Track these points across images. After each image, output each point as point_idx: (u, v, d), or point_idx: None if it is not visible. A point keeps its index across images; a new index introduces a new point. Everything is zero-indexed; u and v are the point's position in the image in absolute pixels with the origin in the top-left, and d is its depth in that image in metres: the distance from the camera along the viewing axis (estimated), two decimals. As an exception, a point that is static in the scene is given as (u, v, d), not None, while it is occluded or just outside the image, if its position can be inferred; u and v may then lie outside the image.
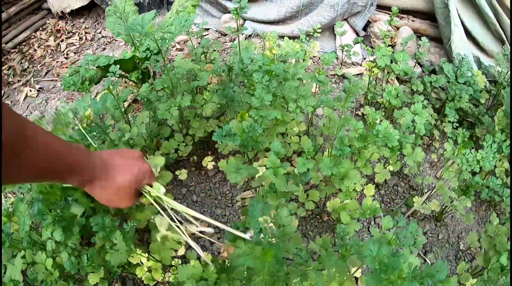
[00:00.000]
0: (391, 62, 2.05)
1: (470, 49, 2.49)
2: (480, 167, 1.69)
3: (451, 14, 2.42)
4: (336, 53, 2.79)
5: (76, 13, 4.02)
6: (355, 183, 1.61)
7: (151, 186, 1.09)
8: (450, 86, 2.12)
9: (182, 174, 1.94)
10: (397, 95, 2.01)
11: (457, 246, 1.98)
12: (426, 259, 1.91)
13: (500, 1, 2.42)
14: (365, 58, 2.79)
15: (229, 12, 3.09)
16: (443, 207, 1.94)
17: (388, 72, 2.21)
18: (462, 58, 2.24)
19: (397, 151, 1.75)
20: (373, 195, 2.05)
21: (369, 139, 1.60)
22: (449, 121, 2.05)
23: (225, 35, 3.12)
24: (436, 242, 1.98)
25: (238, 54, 2.06)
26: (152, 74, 2.56)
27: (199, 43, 3.17)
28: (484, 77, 2.25)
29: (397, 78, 2.60)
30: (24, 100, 3.19)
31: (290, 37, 2.94)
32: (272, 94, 1.54)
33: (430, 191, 2.05)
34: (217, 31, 3.16)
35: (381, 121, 1.86)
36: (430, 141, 2.30)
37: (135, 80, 2.40)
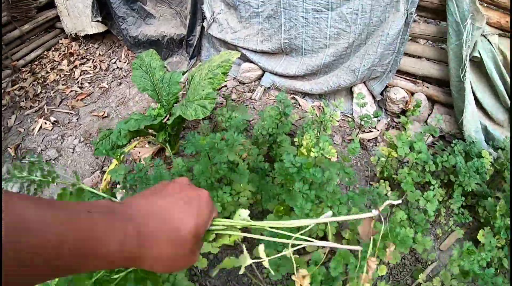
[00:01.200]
0: (410, 150, 2.07)
1: (480, 119, 2.54)
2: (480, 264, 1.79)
3: (466, 91, 2.47)
4: (353, 116, 2.79)
5: (90, 37, 3.88)
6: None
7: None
8: (459, 171, 2.18)
9: (214, 249, 1.91)
10: (412, 179, 2.06)
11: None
12: None
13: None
14: (379, 120, 2.79)
15: (248, 61, 3.03)
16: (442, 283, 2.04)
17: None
18: (473, 141, 2.31)
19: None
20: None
21: (388, 239, 1.63)
22: (457, 207, 2.15)
23: (244, 83, 3.06)
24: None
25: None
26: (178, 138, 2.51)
27: (218, 89, 3.10)
28: (490, 157, 2.31)
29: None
30: (38, 131, 3.08)
31: (306, 94, 2.91)
32: (311, 202, 1.53)
33: (433, 264, 2.17)
34: (235, 78, 3.10)
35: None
36: (437, 215, 2.35)
37: (162, 141, 2.34)
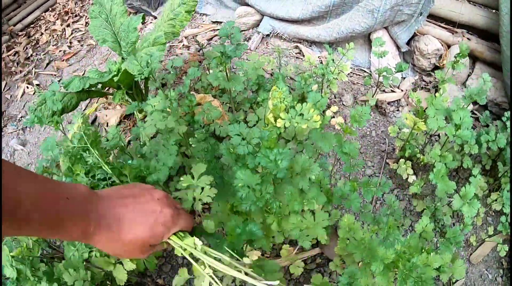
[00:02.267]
0: (446, 122, 1.34)
1: None
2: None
3: None
4: (371, 70, 2.07)
5: (85, -7, 3.36)
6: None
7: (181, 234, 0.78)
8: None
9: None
10: (445, 166, 1.33)
11: None
12: None
13: None
14: (404, 78, 2.04)
15: (246, 4, 2.35)
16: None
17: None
18: None
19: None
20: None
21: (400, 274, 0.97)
22: (504, 211, 1.38)
23: (240, 31, 2.39)
24: None
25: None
26: (144, 92, 1.94)
27: (209, 39, 2.48)
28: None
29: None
30: (21, 97, 2.67)
31: (312, 42, 2.20)
32: (264, 201, 0.91)
33: (458, 282, 1.46)
34: (230, 27, 2.43)
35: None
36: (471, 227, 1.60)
37: (119, 101, 1.80)
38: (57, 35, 3.15)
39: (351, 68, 2.09)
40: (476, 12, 1.93)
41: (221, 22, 2.47)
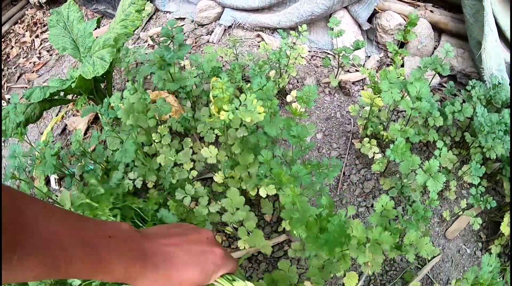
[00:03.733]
0: (402, 96, 1.35)
1: (503, 55, 1.70)
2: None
3: (485, 13, 1.61)
4: (332, 53, 2.08)
5: (52, 2, 3.38)
6: None
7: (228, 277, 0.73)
8: (479, 128, 1.42)
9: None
10: (407, 140, 1.34)
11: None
12: None
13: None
14: (369, 56, 2.05)
15: (206, -2, 2.36)
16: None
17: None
18: (499, 83, 1.50)
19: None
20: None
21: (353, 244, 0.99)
22: (474, 182, 1.39)
23: (203, 25, 2.41)
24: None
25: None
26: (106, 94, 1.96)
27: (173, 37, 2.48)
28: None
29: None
30: (-6, 111, 2.68)
31: (274, 29, 2.21)
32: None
33: (434, 259, 1.46)
34: (193, 21, 2.45)
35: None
36: (444, 189, 1.61)
37: (83, 105, 1.83)
38: (27, 47, 3.17)
39: (314, 51, 2.10)
40: None
41: (184, 18, 2.48)
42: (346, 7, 2.00)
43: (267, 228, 1.51)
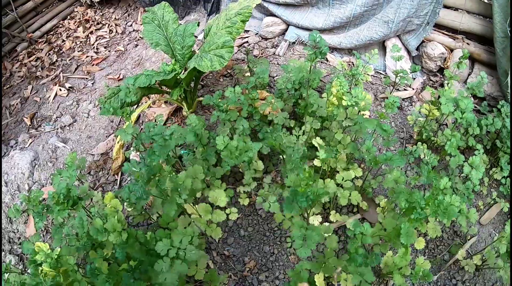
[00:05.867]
0: (455, 109, 1.78)
1: None
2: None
3: None
4: (386, 73, 2.51)
5: (106, 2, 3.70)
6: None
7: None
8: (506, 136, 1.89)
9: (233, 214, 1.72)
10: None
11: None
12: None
13: None
14: (414, 78, 2.50)
15: (272, 14, 2.78)
16: (483, 261, 1.76)
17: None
18: None
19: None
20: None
21: (431, 208, 1.38)
22: (503, 177, 1.85)
23: (267, 39, 2.81)
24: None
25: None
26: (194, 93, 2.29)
27: (239, 46, 2.87)
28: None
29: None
30: (54, 99, 2.95)
31: (334, 49, 2.64)
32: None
33: (472, 239, 1.90)
34: (257, 34, 2.84)
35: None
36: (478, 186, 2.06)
37: (177, 99, 2.14)
38: (81, 42, 3.48)
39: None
40: (474, 21, 2.45)
41: (248, 31, 2.88)
42: (398, 36, 2.45)
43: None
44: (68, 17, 3.79)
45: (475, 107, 2.41)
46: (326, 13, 2.56)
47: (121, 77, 2.94)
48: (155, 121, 2.51)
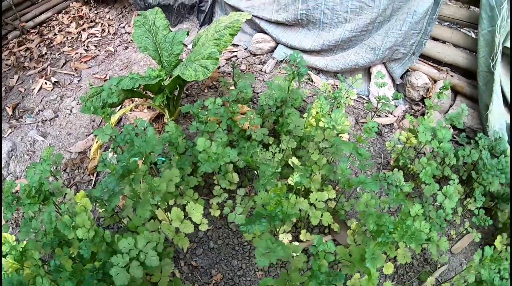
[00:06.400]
0: (432, 139, 1.83)
1: (504, 117, 2.28)
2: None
3: (495, 82, 2.20)
4: (369, 98, 2.57)
5: (102, 1, 3.72)
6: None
7: None
8: (482, 168, 1.95)
9: (203, 226, 1.72)
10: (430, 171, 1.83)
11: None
12: None
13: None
14: (396, 106, 2.56)
15: (262, 31, 2.83)
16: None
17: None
18: (499, 137, 2.08)
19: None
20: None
21: (398, 233, 1.42)
22: (476, 208, 1.95)
23: (255, 55, 2.85)
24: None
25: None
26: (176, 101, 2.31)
27: (227, 59, 2.91)
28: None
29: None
30: (38, 91, 2.94)
31: (320, 71, 2.69)
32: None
33: (443, 267, 1.96)
34: (246, 49, 2.89)
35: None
36: (451, 215, 2.11)
37: (159, 105, 2.16)
38: (72, 37, 3.48)
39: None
40: (459, 54, 2.53)
41: (238, 45, 2.93)
42: (384, 63, 2.52)
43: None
44: (63, 11, 3.80)
45: (453, 137, 2.47)
46: (316, 35, 2.62)
47: (107, 77, 2.95)
48: (135, 125, 2.52)
